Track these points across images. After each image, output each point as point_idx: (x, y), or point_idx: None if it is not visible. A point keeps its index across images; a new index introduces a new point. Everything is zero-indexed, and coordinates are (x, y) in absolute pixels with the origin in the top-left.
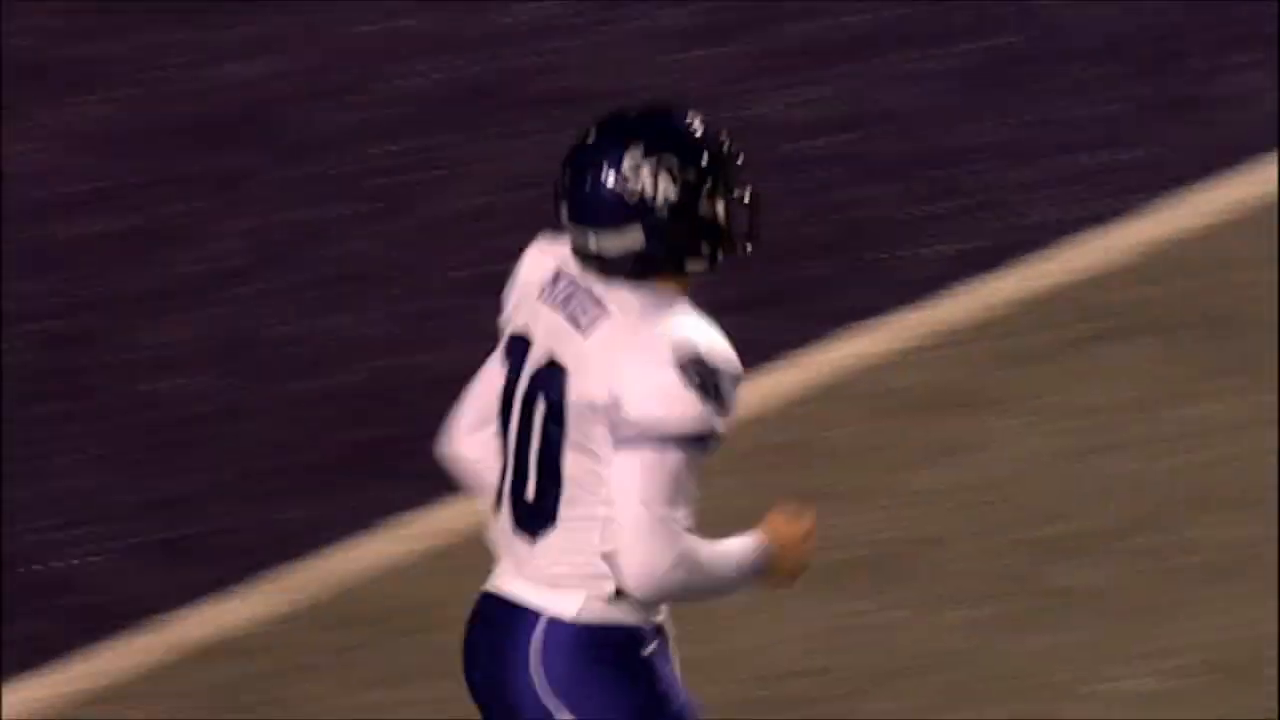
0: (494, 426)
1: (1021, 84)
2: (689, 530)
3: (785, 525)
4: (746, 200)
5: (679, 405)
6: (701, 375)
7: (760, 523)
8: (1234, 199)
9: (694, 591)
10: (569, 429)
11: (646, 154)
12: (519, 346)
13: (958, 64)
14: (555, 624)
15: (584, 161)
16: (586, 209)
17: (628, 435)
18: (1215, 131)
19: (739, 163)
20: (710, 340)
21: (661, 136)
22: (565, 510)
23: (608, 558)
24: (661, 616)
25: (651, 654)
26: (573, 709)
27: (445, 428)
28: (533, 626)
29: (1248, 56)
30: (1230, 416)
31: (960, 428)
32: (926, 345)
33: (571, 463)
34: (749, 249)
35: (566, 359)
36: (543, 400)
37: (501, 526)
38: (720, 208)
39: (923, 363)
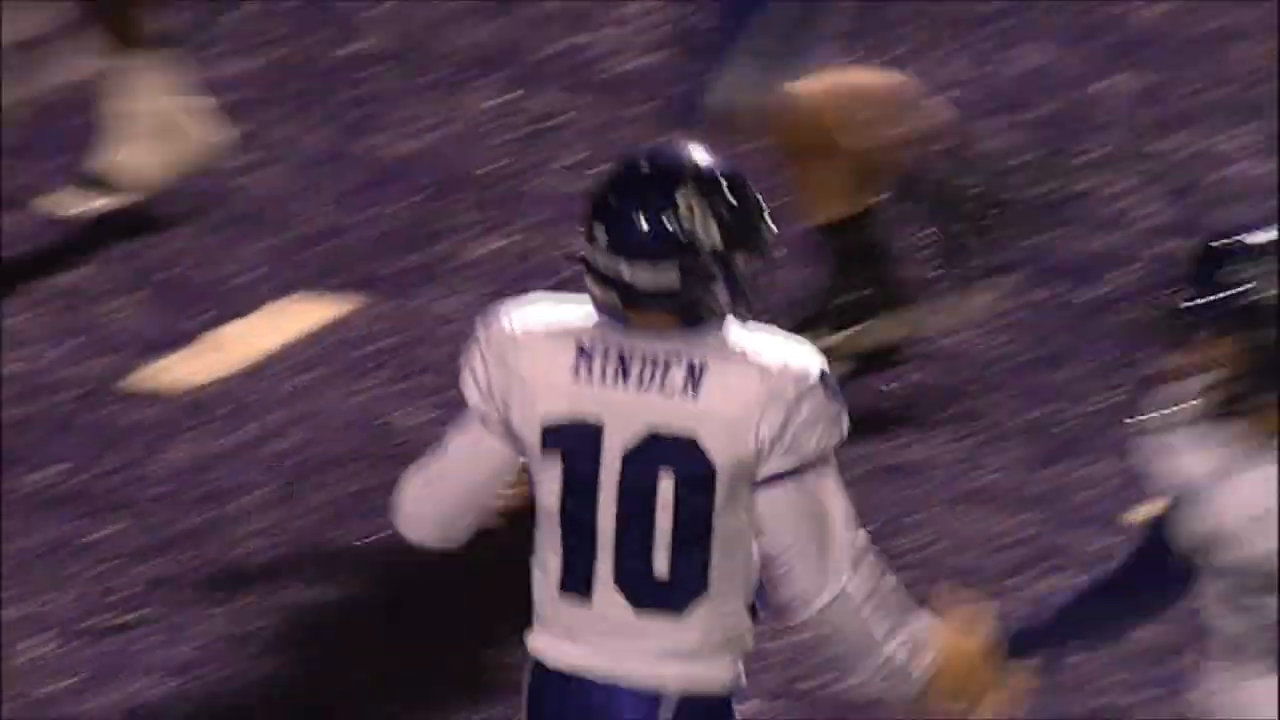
0: (469, 519)
1: None
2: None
3: (958, 637)
4: (768, 267)
5: (837, 419)
6: (832, 381)
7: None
8: None
9: (854, 642)
10: (718, 493)
11: (700, 194)
12: (573, 434)
13: None
14: (688, 702)
15: (634, 190)
16: (630, 238)
17: (797, 468)
18: None
19: (772, 229)
20: (805, 344)
21: (715, 182)
22: (717, 574)
23: (796, 597)
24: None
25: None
26: None
27: (409, 513)
28: (654, 706)
29: None
30: None
31: None
32: None
33: (721, 526)
34: (753, 313)
35: (683, 427)
36: (668, 475)
37: (599, 613)
38: (750, 266)
39: None
